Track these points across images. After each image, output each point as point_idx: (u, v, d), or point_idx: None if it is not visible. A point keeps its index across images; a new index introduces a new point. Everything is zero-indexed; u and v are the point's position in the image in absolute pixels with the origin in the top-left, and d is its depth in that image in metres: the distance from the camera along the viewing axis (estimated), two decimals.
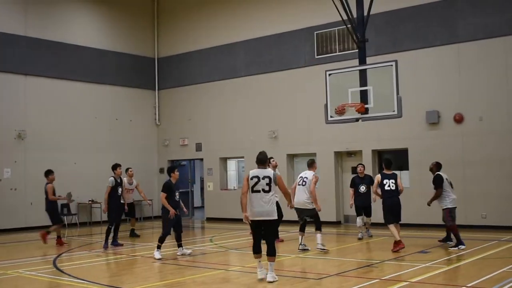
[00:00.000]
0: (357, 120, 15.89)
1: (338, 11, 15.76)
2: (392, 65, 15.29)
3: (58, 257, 13.38)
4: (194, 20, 23.97)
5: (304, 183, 13.28)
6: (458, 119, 17.53)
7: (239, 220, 20.50)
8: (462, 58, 17.59)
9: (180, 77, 24.35)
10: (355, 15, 15.89)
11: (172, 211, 12.68)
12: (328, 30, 20.00)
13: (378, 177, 13.48)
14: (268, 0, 21.77)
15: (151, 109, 24.98)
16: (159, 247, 12.71)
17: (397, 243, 12.71)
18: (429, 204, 13.58)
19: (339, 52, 19.79)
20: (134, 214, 17.54)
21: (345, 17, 15.67)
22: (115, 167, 15.15)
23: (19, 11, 20.81)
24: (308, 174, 13.43)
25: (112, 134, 23.30)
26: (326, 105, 16.48)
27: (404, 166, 18.71)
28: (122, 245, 15.13)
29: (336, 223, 19.62)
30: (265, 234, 9.54)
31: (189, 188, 24.76)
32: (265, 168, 9.78)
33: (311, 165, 13.75)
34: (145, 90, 24.81)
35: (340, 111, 14.30)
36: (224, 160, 23.00)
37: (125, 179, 16.15)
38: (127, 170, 16.84)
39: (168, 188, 12.79)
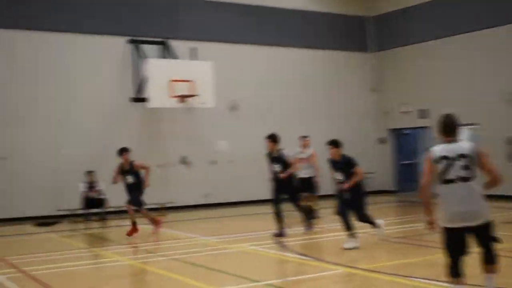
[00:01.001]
0: None
1: None
2: None
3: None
4: None
5: None
6: None
7: None
8: None
9: (400, 36, 22.56)
10: None
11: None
12: None
13: None
14: None
15: (368, 74, 23.65)
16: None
17: None
18: None
19: None
20: (311, 190, 14.87)
21: None
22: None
23: None
24: None
25: (327, 102, 22.49)
26: None
27: None
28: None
29: None
30: (479, 243, 6.10)
31: (413, 160, 23.10)
32: (456, 140, 6.17)
33: None
34: (361, 53, 23.54)
35: None
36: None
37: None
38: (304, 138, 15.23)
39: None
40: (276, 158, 12.20)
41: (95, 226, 16.27)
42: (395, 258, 9.57)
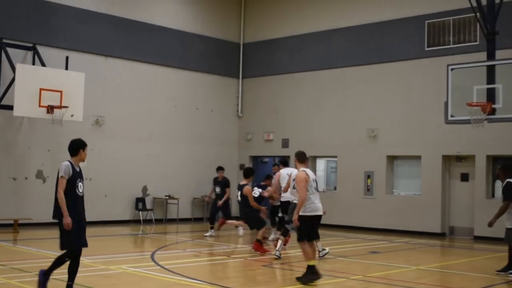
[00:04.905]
0: (482, 121, 15.66)
1: None
2: None
3: (154, 254, 13.66)
4: (285, 3, 23.96)
5: None
6: None
7: (334, 226, 20.50)
8: None
9: (267, 65, 24.36)
10: (483, 3, 15.70)
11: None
12: (442, 19, 19.70)
13: None
14: None
15: (233, 99, 25.10)
16: None
17: None
18: None
19: (453, 44, 19.44)
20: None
21: (474, 4, 15.47)
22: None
23: None
24: None
25: (192, 124, 23.46)
26: (446, 103, 16.30)
27: None
28: None
29: (441, 235, 19.36)
30: None
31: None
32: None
33: None
34: (228, 78, 24.92)
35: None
36: (313, 159, 22.87)
37: None
38: None
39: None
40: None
41: None
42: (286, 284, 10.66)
